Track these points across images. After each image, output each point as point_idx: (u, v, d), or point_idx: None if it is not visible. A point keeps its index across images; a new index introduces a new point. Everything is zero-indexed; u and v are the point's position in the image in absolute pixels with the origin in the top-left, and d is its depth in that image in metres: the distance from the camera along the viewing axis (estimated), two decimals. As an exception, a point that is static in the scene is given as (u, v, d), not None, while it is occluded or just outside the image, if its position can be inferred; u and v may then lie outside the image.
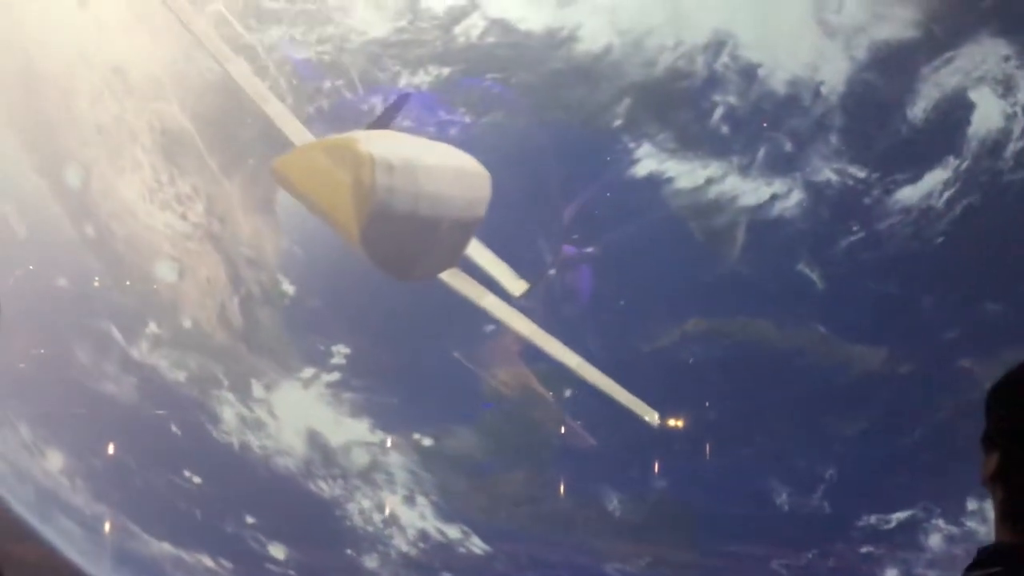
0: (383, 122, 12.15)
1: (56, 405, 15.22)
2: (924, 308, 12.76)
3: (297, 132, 11.04)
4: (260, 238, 12.73)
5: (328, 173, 10.59)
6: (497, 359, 14.08)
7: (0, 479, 14.95)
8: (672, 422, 13.74)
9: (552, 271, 13.87)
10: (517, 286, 12.62)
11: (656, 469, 14.42)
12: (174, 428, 15.12)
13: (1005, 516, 2.27)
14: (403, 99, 12.45)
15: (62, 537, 15.07)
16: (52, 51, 13.42)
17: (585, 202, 13.51)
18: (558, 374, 13.65)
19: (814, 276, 13.03)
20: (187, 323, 14.42)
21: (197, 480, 15.00)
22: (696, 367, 13.53)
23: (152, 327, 14.55)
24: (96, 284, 14.93)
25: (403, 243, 11.02)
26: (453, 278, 11.71)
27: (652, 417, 12.14)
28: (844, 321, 12.82)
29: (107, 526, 15.40)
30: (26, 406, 15.08)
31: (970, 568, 2.24)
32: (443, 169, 11.07)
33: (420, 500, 14.49)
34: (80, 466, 15.09)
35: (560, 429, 14.28)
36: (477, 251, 12.45)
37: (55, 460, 15.20)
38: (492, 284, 13.05)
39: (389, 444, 14.79)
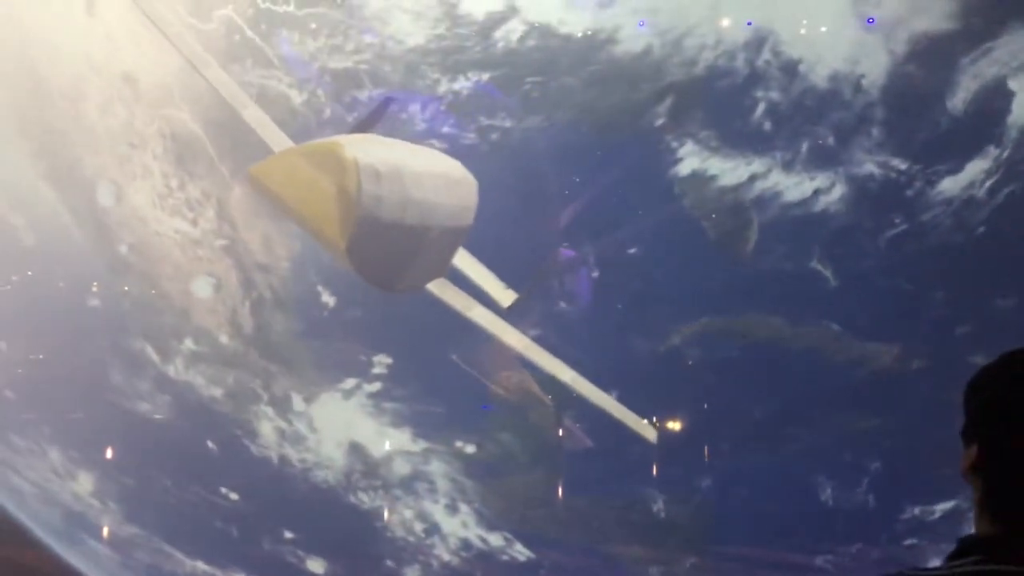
0: (367, 125, 11.44)
1: (87, 426, 14.37)
2: (936, 304, 12.33)
3: (277, 138, 10.01)
4: (272, 243, 12.06)
5: (310, 180, 9.69)
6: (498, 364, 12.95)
7: (25, 504, 14.06)
8: (671, 424, 13.29)
9: (547, 278, 13.20)
10: (505, 296, 11.75)
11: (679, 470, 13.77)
12: (211, 444, 14.16)
13: (984, 507, 2.21)
14: (388, 102, 11.94)
15: (90, 560, 14.25)
16: (61, 60, 12.79)
17: (609, 203, 12.52)
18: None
19: (827, 273, 12.51)
20: (224, 338, 13.33)
21: (234, 497, 14.15)
22: (708, 366, 13.01)
23: (188, 343, 13.41)
24: (99, 290, 14.14)
25: (390, 253, 10.18)
26: (441, 289, 10.91)
27: (649, 433, 11.11)
28: (858, 318, 12.45)
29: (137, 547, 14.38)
30: (56, 430, 14.25)
31: (951, 557, 2.17)
32: (430, 175, 10.21)
33: (462, 508, 13.81)
34: (112, 487, 14.25)
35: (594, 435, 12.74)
36: (464, 261, 11.62)
37: (86, 483, 14.31)
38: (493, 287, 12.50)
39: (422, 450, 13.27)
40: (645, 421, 11.84)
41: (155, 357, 14.06)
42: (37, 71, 12.71)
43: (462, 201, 10.47)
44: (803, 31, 10.94)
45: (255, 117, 10.25)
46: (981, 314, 11.72)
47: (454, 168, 10.52)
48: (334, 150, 9.57)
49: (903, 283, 12.00)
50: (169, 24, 11.26)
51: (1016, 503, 2.14)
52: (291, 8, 12.32)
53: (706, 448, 13.18)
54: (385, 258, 10.10)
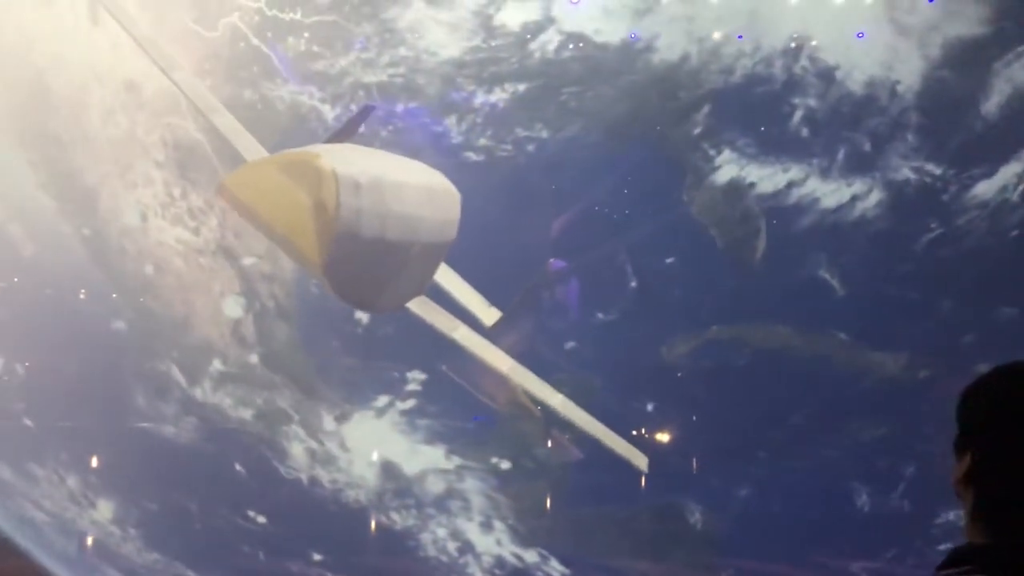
0: (345, 134, 10.13)
1: (110, 452, 13.44)
2: (943, 313, 11.75)
3: (249, 147, 8.92)
4: (276, 252, 10.73)
5: (285, 193, 8.45)
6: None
7: (40, 535, 12.94)
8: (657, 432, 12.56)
9: (533, 295, 12.39)
10: (489, 315, 10.73)
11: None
12: (238, 467, 13.19)
13: (976, 518, 2.10)
14: (367, 110, 10.93)
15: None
16: (64, 69, 12.06)
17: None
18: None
19: (834, 282, 11.98)
20: (253, 358, 12.35)
21: (261, 520, 13.19)
22: (717, 374, 12.37)
23: (217, 364, 12.41)
24: (114, 308, 13.13)
25: (370, 271, 8.94)
26: (422, 308, 9.71)
27: (640, 461, 10.08)
28: (865, 327, 11.86)
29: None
30: (75, 456, 13.26)
31: (941, 567, 2.05)
32: (412, 188, 9.05)
33: (497, 525, 12.96)
34: (133, 513, 13.24)
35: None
36: (446, 277, 10.51)
37: (105, 510, 13.30)
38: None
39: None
40: (640, 453, 10.39)
41: (181, 379, 12.93)
42: (40, 79, 12.05)
43: (445, 214, 9.35)
44: (839, 37, 10.18)
45: (226, 124, 9.28)
46: (986, 322, 10.89)
47: (437, 180, 9.41)
48: (311, 160, 8.38)
49: (910, 292, 11.37)
50: (135, 25, 10.20)
51: (1008, 513, 2.02)
52: (298, 16, 11.37)
53: (694, 460, 12.61)
54: (365, 276, 8.95)
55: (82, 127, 12.26)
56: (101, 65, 12.01)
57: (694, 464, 12.43)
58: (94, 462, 13.20)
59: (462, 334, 10.00)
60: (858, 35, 10.84)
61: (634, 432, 12.41)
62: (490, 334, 10.67)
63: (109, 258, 12.66)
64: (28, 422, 13.12)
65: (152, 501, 13.16)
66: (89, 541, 13.12)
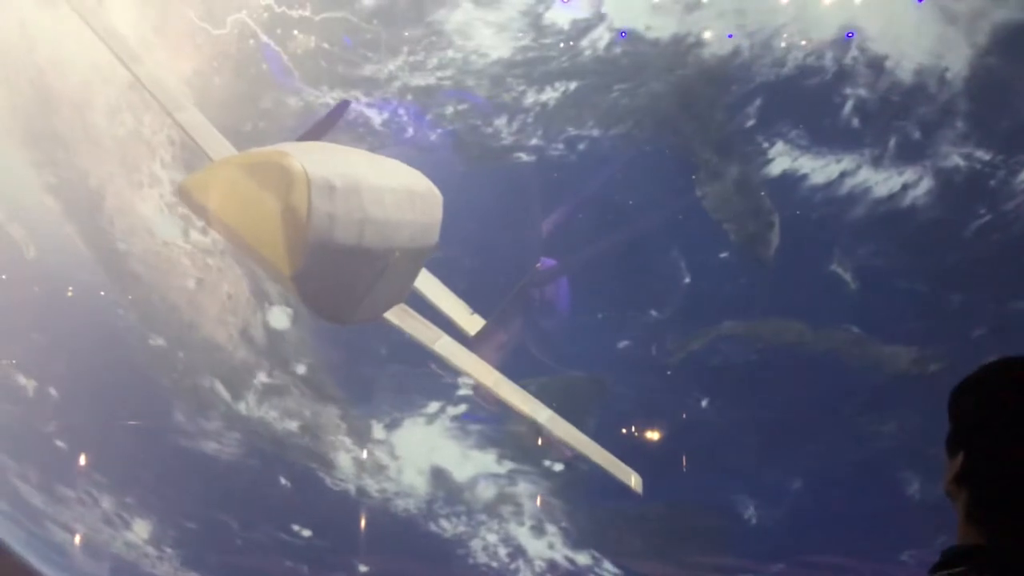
0: (319, 132, 8.88)
1: (147, 471, 12.22)
2: (953, 306, 11.02)
3: (217, 145, 7.57)
4: None
5: (251, 196, 6.96)
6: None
7: (69, 559, 11.82)
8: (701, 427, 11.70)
9: (518, 301, 11.53)
10: (472, 323, 9.66)
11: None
12: (283, 480, 12.21)
13: (970, 517, 1.94)
14: (343, 107, 9.77)
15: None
16: (68, 68, 11.05)
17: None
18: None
19: (847, 276, 11.30)
20: (301, 369, 11.13)
21: (306, 534, 12.09)
22: (731, 369, 11.57)
23: (261, 376, 11.16)
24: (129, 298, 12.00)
25: (345, 280, 7.52)
26: (402, 319, 8.40)
27: (635, 481, 8.86)
28: (877, 321, 11.17)
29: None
30: (110, 477, 12.02)
31: (935, 568, 1.91)
32: (391, 190, 7.64)
33: (549, 529, 11.97)
34: (171, 533, 12.11)
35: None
36: (427, 284, 9.29)
37: (141, 530, 12.07)
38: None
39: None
40: (630, 470, 9.54)
41: (225, 393, 11.62)
42: (44, 79, 11.12)
43: (427, 218, 8.02)
44: (888, 26, 9.35)
45: (192, 121, 7.88)
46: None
47: (417, 180, 8.08)
48: (279, 160, 6.96)
49: (920, 285, 10.90)
50: (96, 16, 8.86)
51: (1002, 513, 1.88)
52: (307, 13, 10.28)
53: (684, 458, 11.79)
54: (339, 287, 7.53)
55: (87, 127, 11.36)
56: (106, 64, 10.71)
57: (742, 461, 11.19)
58: (130, 481, 12.05)
59: (444, 345, 8.56)
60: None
61: (625, 431, 11.76)
62: (473, 343, 9.32)
63: (115, 260, 11.75)
64: (60, 444, 11.94)
65: (191, 519, 12.12)
66: (122, 563, 11.93)
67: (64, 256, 11.76)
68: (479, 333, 9.74)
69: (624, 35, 10.65)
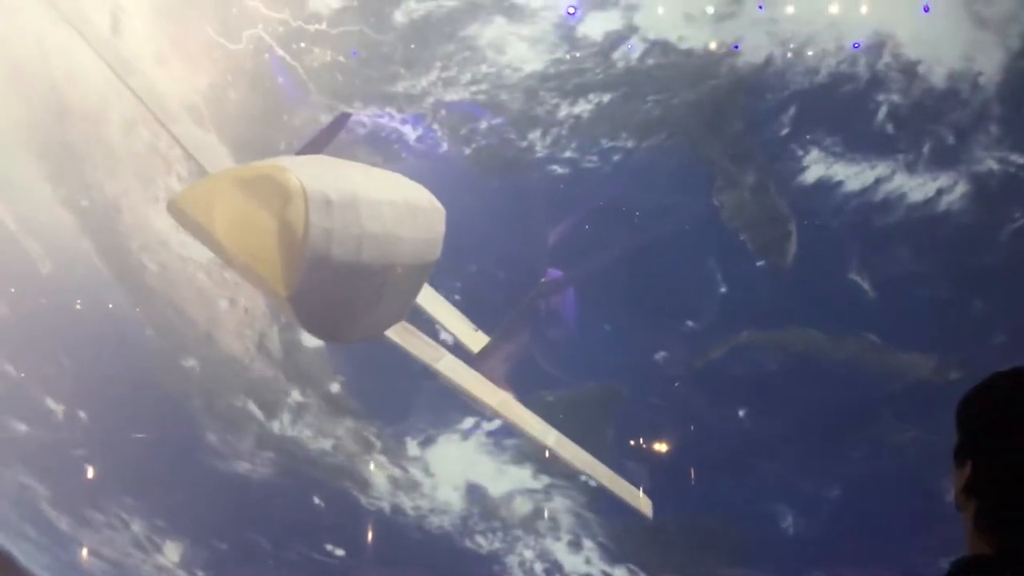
0: (318, 145, 8.36)
1: (178, 493, 11.59)
2: (974, 313, 10.63)
3: (213, 158, 6.99)
4: None
5: (245, 212, 6.40)
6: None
7: None
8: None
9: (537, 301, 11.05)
10: (476, 340, 9.16)
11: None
12: (316, 500, 11.69)
13: (979, 528, 1.83)
14: (343, 119, 9.16)
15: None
16: (82, 83, 10.61)
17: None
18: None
19: (865, 284, 10.88)
20: (334, 387, 10.59)
21: (340, 553, 11.51)
22: (749, 378, 11.11)
23: (295, 395, 10.62)
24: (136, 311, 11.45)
25: (343, 299, 6.89)
26: (403, 337, 7.71)
27: (644, 506, 8.25)
28: (896, 329, 10.72)
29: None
30: (141, 500, 11.46)
31: None
32: (391, 204, 7.05)
33: (586, 544, 11.42)
34: (202, 555, 11.52)
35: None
36: (429, 300, 8.62)
37: (172, 553, 11.52)
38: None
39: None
40: (639, 492, 9.04)
41: (259, 413, 11.04)
42: (59, 93, 10.78)
43: (428, 233, 7.43)
44: (920, 32, 8.96)
45: (187, 134, 7.30)
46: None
47: (419, 194, 7.50)
48: (275, 175, 6.40)
49: (941, 292, 10.58)
50: (90, 27, 8.34)
51: (1011, 522, 1.78)
52: (323, 27, 9.87)
53: (689, 469, 11.23)
54: (337, 305, 6.92)
55: (102, 141, 11.02)
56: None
57: (768, 470, 10.64)
58: (162, 504, 11.50)
59: (447, 364, 7.98)
60: (924, 9, 9.45)
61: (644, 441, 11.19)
62: (477, 361, 8.70)
63: (131, 275, 11.31)
64: (90, 467, 11.52)
65: (223, 541, 11.55)
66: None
67: (80, 272, 11.26)
68: (483, 350, 9.10)
69: (631, 45, 10.20)
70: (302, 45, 10.66)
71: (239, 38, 10.63)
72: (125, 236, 11.23)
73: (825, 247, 10.99)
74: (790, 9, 10.03)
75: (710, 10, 10.05)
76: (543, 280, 11.01)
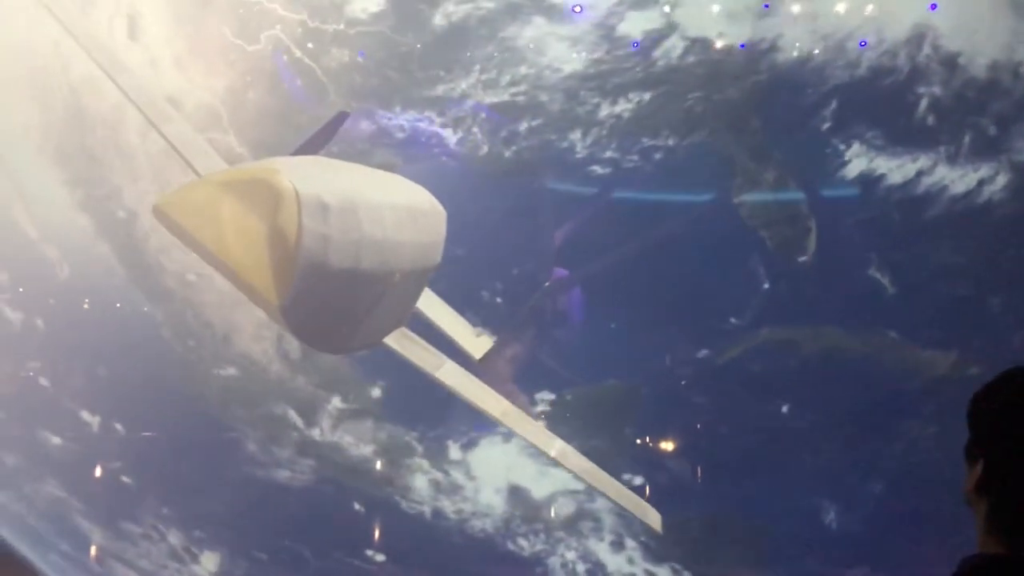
0: (315, 145, 7.72)
1: (217, 503, 11.06)
2: (993, 310, 10.12)
3: (205, 160, 6.35)
4: None
5: (235, 217, 5.70)
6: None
7: None
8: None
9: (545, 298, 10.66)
10: (478, 345, 8.38)
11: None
12: (357, 506, 11.14)
13: (991, 527, 1.74)
14: (341, 117, 8.42)
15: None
16: (100, 87, 9.93)
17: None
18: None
19: (885, 281, 10.41)
20: (375, 392, 10.02)
21: (380, 558, 10.93)
22: (770, 376, 10.61)
23: (335, 402, 10.02)
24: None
25: (340, 308, 6.23)
26: (402, 344, 7.08)
27: (654, 519, 7.64)
28: (916, 325, 10.28)
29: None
30: (178, 510, 10.93)
31: None
32: (392, 207, 6.39)
33: (629, 543, 10.84)
34: (241, 564, 10.97)
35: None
36: (429, 304, 7.93)
37: (209, 563, 10.96)
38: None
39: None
40: (648, 506, 8.71)
41: (299, 421, 10.44)
42: (76, 98, 10.37)
43: (430, 236, 6.79)
44: (961, 23, 8.48)
45: (179, 134, 6.64)
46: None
47: (420, 197, 6.85)
48: (266, 177, 5.69)
49: (961, 289, 10.00)
50: (77, 24, 7.72)
51: (1022, 521, 1.70)
52: (341, 27, 9.28)
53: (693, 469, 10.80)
54: (334, 315, 6.24)
55: (119, 145, 10.59)
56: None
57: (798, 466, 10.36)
58: (200, 514, 11.00)
59: (448, 372, 7.32)
60: (931, 7, 8.94)
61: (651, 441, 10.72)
62: (480, 367, 8.04)
63: (149, 278, 10.88)
64: (126, 479, 10.98)
65: (262, 550, 11.00)
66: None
67: (98, 276, 10.72)
68: (487, 355, 8.44)
69: (636, 45, 9.69)
70: (321, 47, 10.12)
71: (257, 39, 10.09)
72: (142, 239, 10.78)
73: (847, 243, 10.46)
74: (831, 4, 9.54)
75: (749, 7, 9.55)
76: (551, 279, 10.48)
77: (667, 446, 11.02)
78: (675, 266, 10.59)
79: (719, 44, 9.93)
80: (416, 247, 6.58)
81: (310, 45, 10.15)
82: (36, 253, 10.57)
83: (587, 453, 10.39)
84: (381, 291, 6.39)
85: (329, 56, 10.25)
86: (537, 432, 8.10)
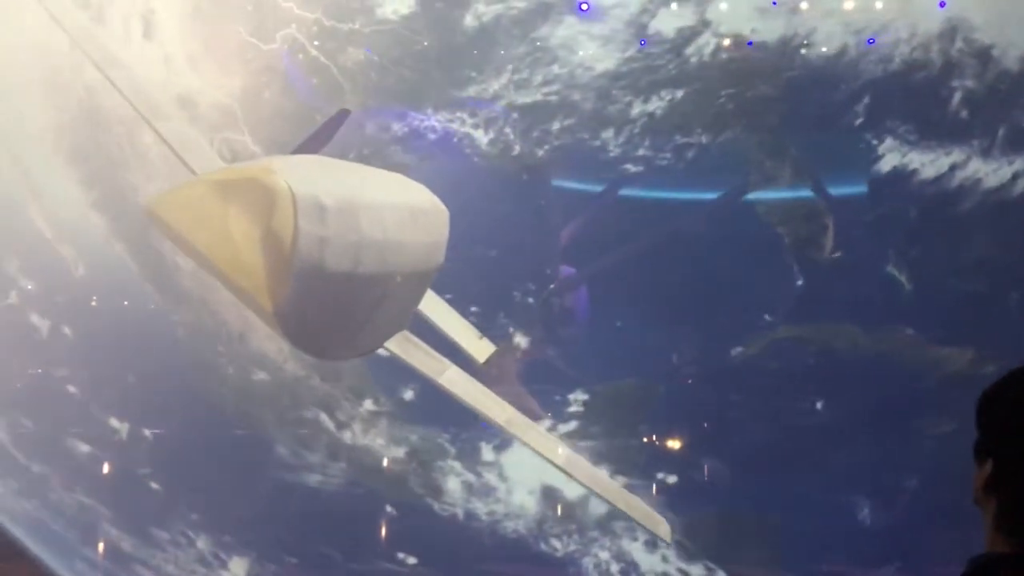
0: (315, 144, 7.24)
1: (247, 508, 10.50)
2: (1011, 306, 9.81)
3: (203, 161, 5.83)
4: None
5: (227, 218, 5.28)
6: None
7: None
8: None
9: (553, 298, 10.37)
10: (481, 349, 8.00)
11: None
12: (389, 508, 10.60)
13: (999, 526, 1.68)
14: (342, 116, 7.93)
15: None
16: (145, 89, 8.80)
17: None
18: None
19: (902, 278, 10.06)
20: (408, 394, 9.52)
21: (412, 561, 10.43)
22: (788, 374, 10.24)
23: (368, 403, 9.46)
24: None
25: (337, 312, 5.81)
26: (403, 348, 6.67)
27: (664, 531, 7.21)
28: (932, 322, 9.91)
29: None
30: (207, 515, 10.39)
31: None
32: (393, 207, 5.92)
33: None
34: (270, 570, 10.39)
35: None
36: (431, 306, 7.49)
37: (238, 568, 10.41)
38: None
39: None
40: (660, 518, 8.36)
41: (329, 423, 9.94)
42: (91, 97, 9.82)
43: (432, 236, 6.29)
44: (993, 15, 8.09)
45: (173, 132, 6.11)
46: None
47: (421, 195, 6.34)
48: (260, 177, 5.28)
49: (978, 286, 9.67)
50: (69, 16, 7.20)
51: None
52: (356, 26, 9.25)
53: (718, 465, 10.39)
54: (331, 321, 5.85)
55: (134, 144, 10.06)
56: (153, 81, 9.47)
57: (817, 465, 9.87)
58: (229, 519, 10.46)
59: (451, 378, 6.82)
60: (940, 5, 8.57)
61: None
62: (485, 371, 7.54)
63: (166, 277, 10.33)
64: (155, 485, 10.42)
65: (292, 554, 10.46)
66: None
67: (116, 276, 10.35)
68: (490, 360, 7.94)
69: (644, 43, 9.31)
70: (337, 46, 9.67)
71: (272, 38, 9.68)
72: (159, 238, 10.38)
73: (866, 240, 10.10)
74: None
75: (783, 2, 9.17)
76: (558, 278, 10.07)
77: (680, 444, 10.74)
78: (690, 263, 10.26)
79: (753, 40, 9.54)
80: (418, 248, 6.09)
81: (326, 44, 9.70)
82: (53, 253, 10.09)
83: (613, 453, 10.00)
84: (381, 294, 5.93)
85: (346, 55, 9.81)
86: (543, 440, 7.66)
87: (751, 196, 10.22)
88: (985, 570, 1.62)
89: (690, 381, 10.64)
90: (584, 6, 9.78)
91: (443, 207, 6.40)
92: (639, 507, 8.01)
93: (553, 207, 10.29)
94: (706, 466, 10.35)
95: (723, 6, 9.49)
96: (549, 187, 10.22)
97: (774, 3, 9.39)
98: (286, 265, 5.15)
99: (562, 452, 7.79)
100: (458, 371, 7.09)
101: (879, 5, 9.32)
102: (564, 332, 10.58)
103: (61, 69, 9.69)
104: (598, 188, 10.33)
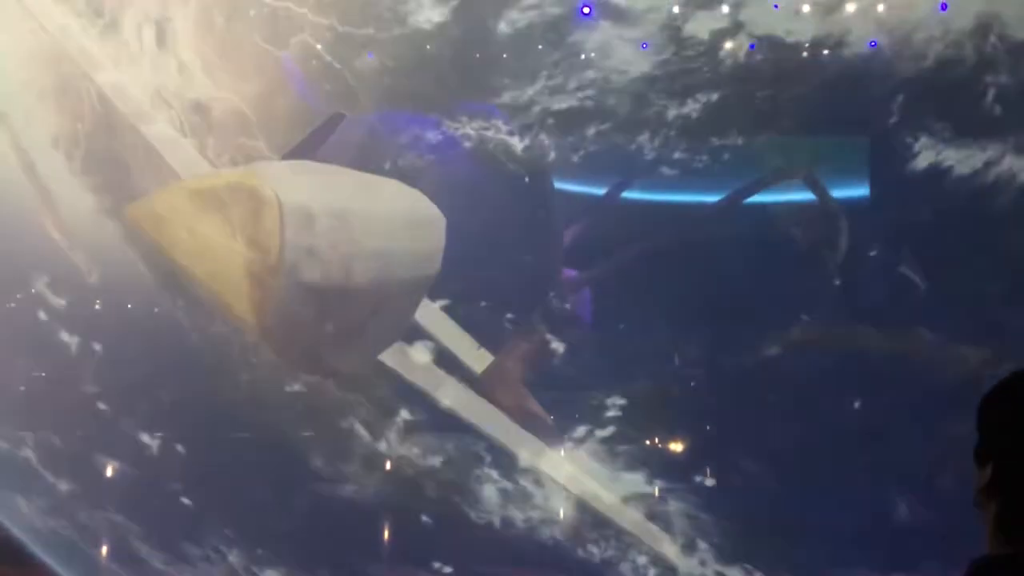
0: (307, 150, 6.63)
1: (281, 521, 9.96)
2: None
3: (188, 164, 5.26)
4: None
5: (210, 228, 4.93)
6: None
7: None
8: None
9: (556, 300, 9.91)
10: (478, 358, 7.65)
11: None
12: (424, 518, 10.02)
13: (1000, 528, 1.60)
14: (336, 120, 7.53)
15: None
16: (128, 92, 9.09)
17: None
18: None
19: (916, 278, 9.65)
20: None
21: (447, 570, 9.90)
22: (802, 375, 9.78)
23: (403, 414, 9.75)
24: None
25: (328, 326, 5.38)
26: (399, 361, 5.45)
27: (668, 548, 6.72)
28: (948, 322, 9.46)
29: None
30: (239, 529, 9.81)
31: None
32: (386, 217, 5.62)
33: (701, 545, 9.83)
34: None
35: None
36: (427, 316, 6.97)
37: None
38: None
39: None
40: (663, 535, 8.57)
41: (364, 433, 9.40)
42: (105, 104, 9.24)
43: (427, 244, 5.95)
44: None
45: (159, 135, 5.53)
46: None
47: (417, 203, 6.03)
48: (246, 184, 4.96)
49: (992, 284, 9.29)
50: (51, 17, 6.64)
51: None
52: (371, 31, 8.91)
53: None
54: (320, 335, 5.47)
55: (149, 151, 9.37)
56: (168, 86, 9.20)
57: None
58: (261, 533, 9.88)
59: (448, 391, 6.29)
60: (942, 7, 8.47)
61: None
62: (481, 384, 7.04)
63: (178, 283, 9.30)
64: (186, 500, 9.90)
65: (324, 566, 9.91)
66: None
67: (129, 282, 9.62)
68: (486, 371, 7.39)
69: (645, 46, 9.05)
70: (352, 52, 9.19)
71: (286, 44, 9.17)
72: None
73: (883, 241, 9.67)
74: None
75: (818, 3, 8.78)
76: (562, 281, 9.86)
77: (712, 447, 10.38)
78: (703, 266, 9.87)
79: (787, 41, 9.15)
80: (412, 256, 5.70)
81: (340, 51, 9.19)
82: (68, 261, 9.52)
83: (650, 457, 9.49)
84: (375, 306, 5.44)
85: (363, 61, 9.31)
86: (545, 455, 7.12)
87: (770, 197, 9.90)
88: (985, 571, 1.56)
89: (713, 384, 10.20)
90: (586, 9, 9.43)
91: (439, 214, 5.93)
92: (643, 525, 7.54)
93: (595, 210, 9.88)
94: (741, 469, 9.90)
95: (756, 8, 9.15)
96: (551, 190, 9.82)
97: (776, 6, 9.04)
98: (272, 279, 4.55)
99: (563, 469, 7.30)
100: (455, 383, 6.59)
101: (910, 3, 9.00)
102: (591, 336, 10.14)
103: (73, 76, 9.20)
104: (632, 194, 9.96)
